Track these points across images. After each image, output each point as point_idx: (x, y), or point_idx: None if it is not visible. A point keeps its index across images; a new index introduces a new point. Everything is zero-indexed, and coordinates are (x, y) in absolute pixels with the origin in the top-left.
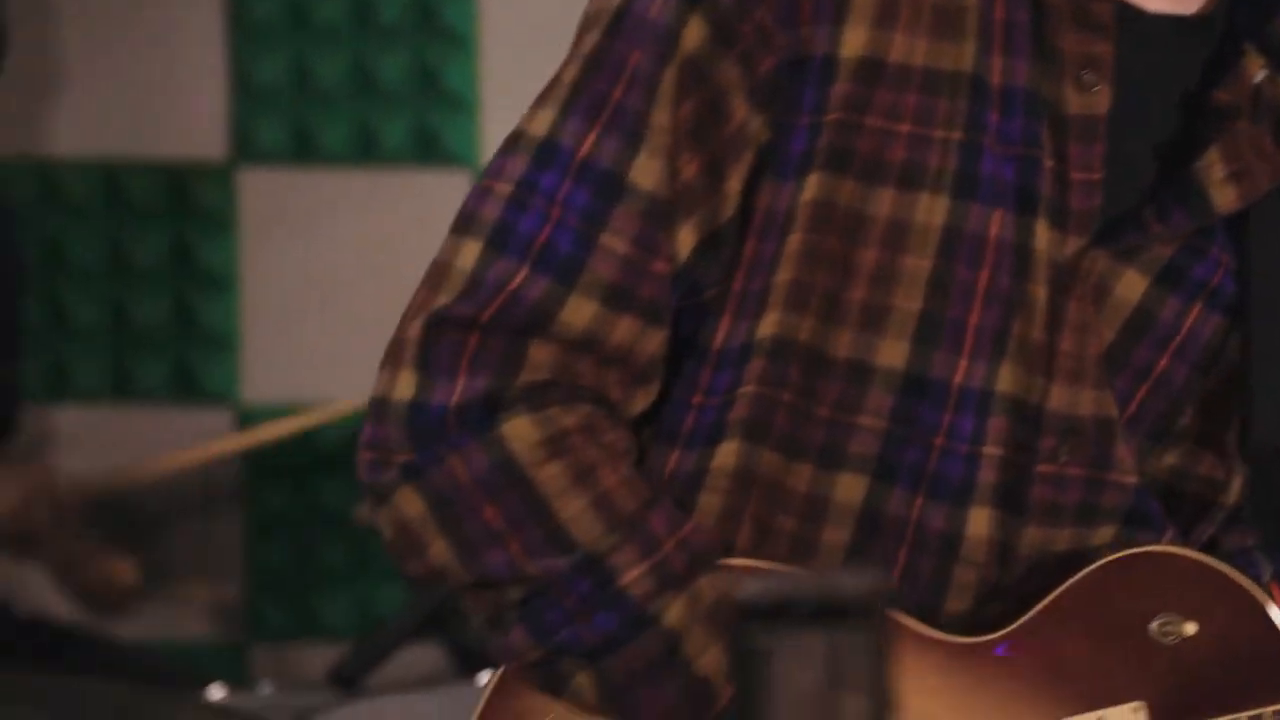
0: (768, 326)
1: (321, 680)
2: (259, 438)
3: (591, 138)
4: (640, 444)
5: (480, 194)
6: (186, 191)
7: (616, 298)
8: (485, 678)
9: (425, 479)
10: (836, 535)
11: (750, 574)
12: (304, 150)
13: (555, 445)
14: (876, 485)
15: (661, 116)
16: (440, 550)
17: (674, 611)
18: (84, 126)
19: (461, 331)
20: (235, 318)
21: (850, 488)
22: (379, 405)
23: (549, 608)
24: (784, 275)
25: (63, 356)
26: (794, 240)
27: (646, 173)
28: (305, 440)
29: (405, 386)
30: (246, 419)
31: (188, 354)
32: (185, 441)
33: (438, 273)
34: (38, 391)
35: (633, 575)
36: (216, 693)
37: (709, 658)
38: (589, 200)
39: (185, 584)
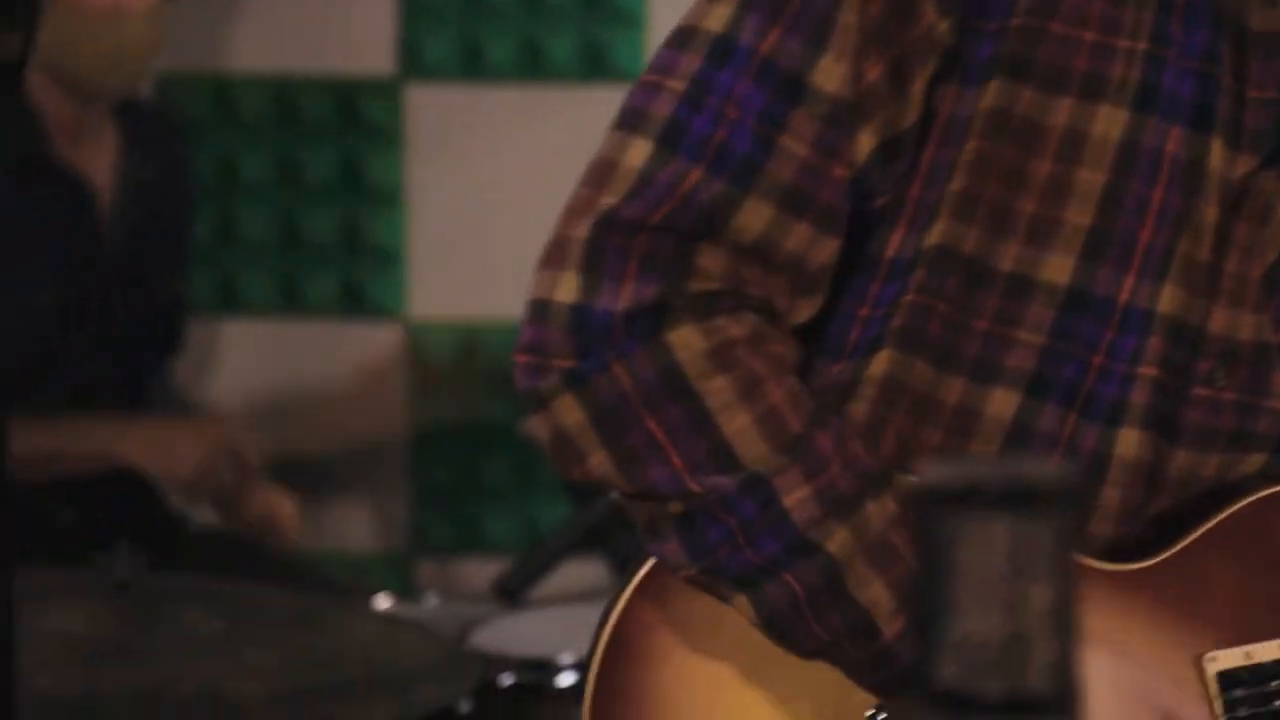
0: (933, 236)
1: (485, 592)
2: None
3: (773, 36)
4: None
5: (649, 90)
6: (355, 107)
7: (793, 203)
8: None
9: (587, 387)
10: (984, 451)
11: (937, 457)
12: (472, 66)
13: (722, 357)
14: (1029, 401)
15: (848, 16)
16: (600, 461)
17: (838, 540)
18: (256, 43)
19: (630, 234)
20: (403, 233)
21: (1002, 403)
22: (540, 307)
23: (709, 526)
24: (955, 185)
25: (232, 270)
26: (970, 149)
27: (830, 75)
28: (470, 355)
29: (569, 289)
30: (414, 334)
31: (356, 269)
32: (352, 356)
33: (603, 170)
34: (207, 305)
35: (797, 498)
36: (383, 602)
37: (873, 591)
38: (768, 101)
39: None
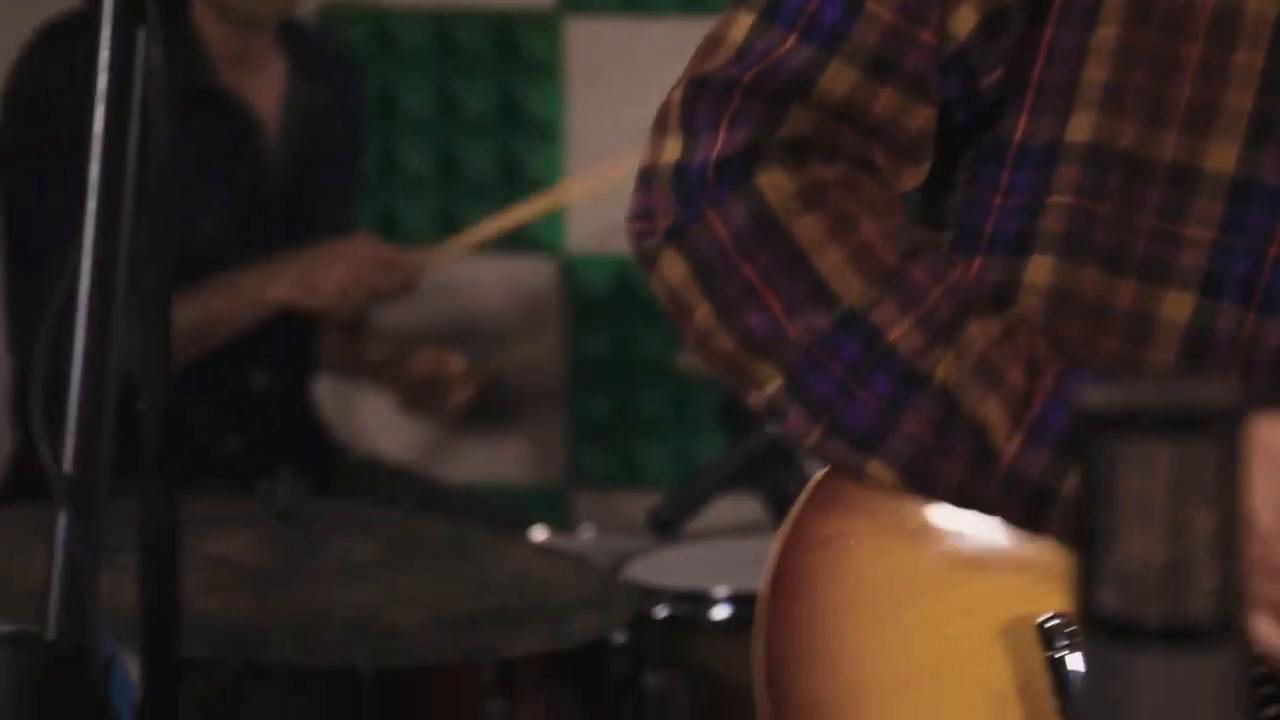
0: (1080, 131)
1: (640, 526)
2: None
3: None
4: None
5: None
6: (515, 40)
7: (877, 67)
8: None
9: (686, 238)
10: (1162, 356)
11: (1099, 377)
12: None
13: (812, 196)
14: (1204, 302)
15: None
16: (704, 314)
17: (945, 365)
18: None
19: (723, 92)
20: (561, 167)
21: (1176, 305)
22: (646, 173)
23: (817, 379)
24: (1096, 74)
25: (393, 202)
26: (1106, 35)
27: None
28: (627, 288)
29: (671, 150)
30: (568, 268)
31: (514, 202)
32: (509, 290)
33: (709, 44)
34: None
35: (899, 331)
36: (539, 534)
37: (985, 410)
38: None
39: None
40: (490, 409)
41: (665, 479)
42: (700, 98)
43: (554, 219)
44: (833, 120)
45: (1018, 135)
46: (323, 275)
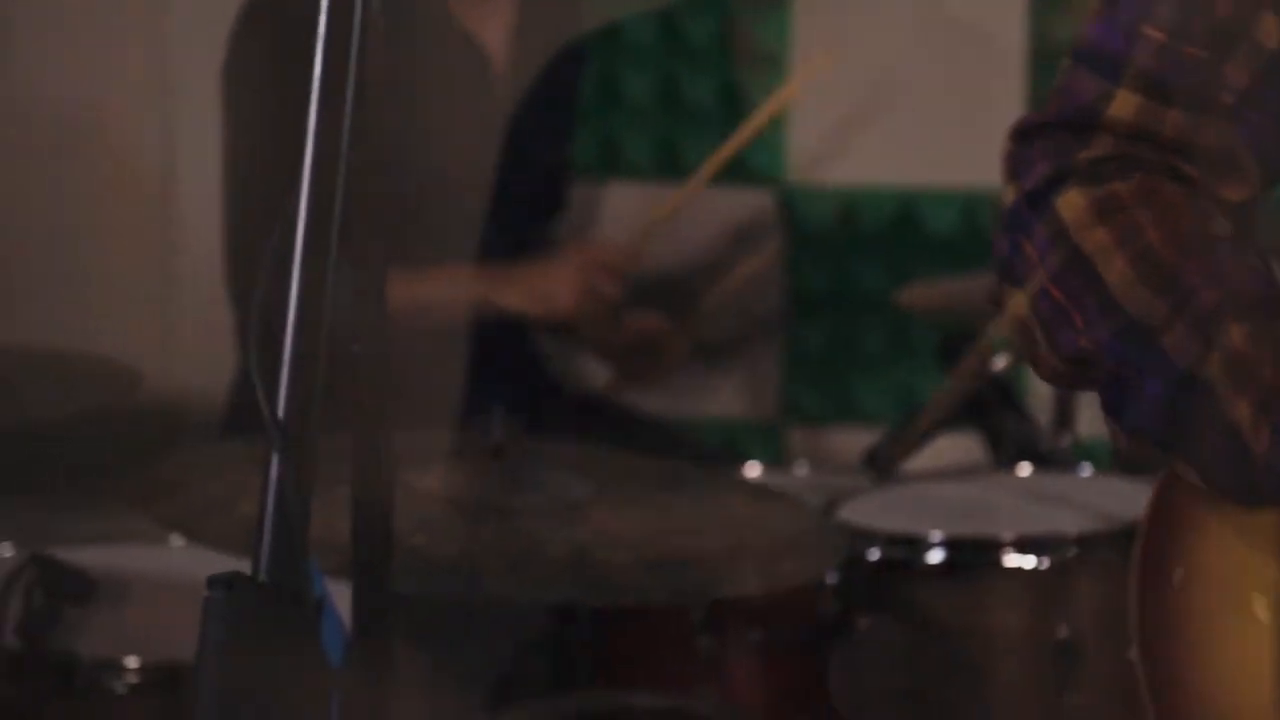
0: None
1: (855, 464)
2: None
3: None
4: None
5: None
6: None
7: (1158, 89)
8: (1024, 469)
9: (1011, 273)
10: None
11: None
12: None
13: (1104, 209)
14: None
15: None
16: (1041, 339)
17: (1213, 367)
18: None
19: (1034, 134)
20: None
21: None
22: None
23: (1109, 386)
24: None
25: (614, 133)
26: None
27: None
28: (847, 221)
29: (1006, 197)
30: (789, 200)
31: (734, 131)
32: (729, 221)
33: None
34: (589, 167)
35: (1173, 336)
36: (752, 470)
37: (1239, 411)
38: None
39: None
40: (706, 349)
41: (882, 416)
42: (1019, 143)
43: (775, 149)
44: (1129, 141)
45: None
46: (556, 288)
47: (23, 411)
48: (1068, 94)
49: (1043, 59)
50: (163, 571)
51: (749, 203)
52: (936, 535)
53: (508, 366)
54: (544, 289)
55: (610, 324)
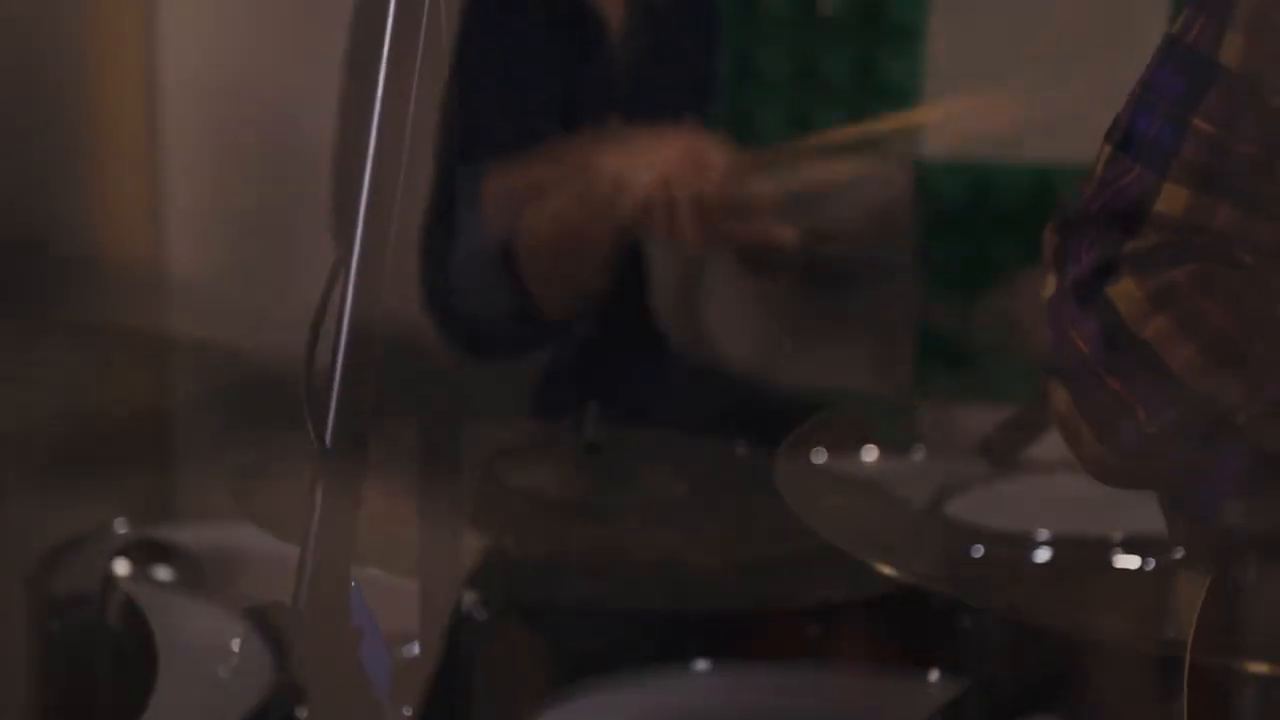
0: None
1: (976, 449)
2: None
3: (1199, 23)
4: None
5: (1128, 98)
6: None
7: (1207, 183)
8: None
9: (1057, 364)
10: None
11: None
12: None
13: (1161, 298)
14: None
15: None
16: (1088, 437)
17: None
18: None
19: (1079, 225)
20: (919, 74)
21: None
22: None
23: (1181, 472)
24: None
25: (748, 106)
26: None
27: (1232, 49)
28: (982, 198)
29: (1048, 287)
30: (925, 174)
31: (869, 107)
32: (862, 195)
33: (1084, 181)
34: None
35: (1247, 416)
36: (869, 454)
37: None
38: (1184, 87)
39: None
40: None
41: (1014, 397)
42: (1062, 234)
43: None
44: (1180, 232)
45: None
46: (654, 157)
47: (154, 394)
48: (1111, 186)
49: None
50: (272, 551)
51: (882, 176)
52: (1043, 534)
53: (630, 334)
54: (638, 152)
55: (697, 225)
